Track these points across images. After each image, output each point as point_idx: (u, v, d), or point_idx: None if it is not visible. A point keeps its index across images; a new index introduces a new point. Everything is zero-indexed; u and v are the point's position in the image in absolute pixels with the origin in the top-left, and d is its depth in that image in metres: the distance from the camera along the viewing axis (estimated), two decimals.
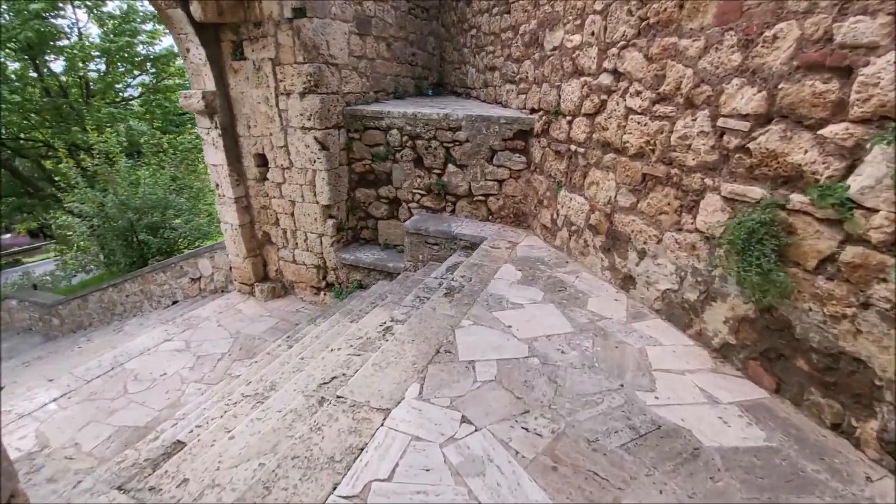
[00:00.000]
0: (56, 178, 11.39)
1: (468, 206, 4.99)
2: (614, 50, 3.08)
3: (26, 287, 10.96)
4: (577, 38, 3.53)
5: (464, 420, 2.10)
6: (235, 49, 5.19)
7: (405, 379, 2.39)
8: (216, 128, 5.52)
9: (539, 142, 4.28)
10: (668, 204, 2.75)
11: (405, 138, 5.09)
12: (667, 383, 2.34)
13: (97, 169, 8.56)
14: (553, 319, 2.98)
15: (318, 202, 5.38)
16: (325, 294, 5.87)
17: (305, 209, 5.53)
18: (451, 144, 4.84)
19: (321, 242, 5.59)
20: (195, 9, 4.76)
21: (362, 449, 1.94)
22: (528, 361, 2.54)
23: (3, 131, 12.88)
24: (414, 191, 5.26)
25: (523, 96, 4.62)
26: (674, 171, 2.68)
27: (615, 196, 3.23)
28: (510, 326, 2.90)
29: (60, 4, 12.77)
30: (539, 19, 4.16)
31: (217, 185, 5.91)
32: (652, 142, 2.83)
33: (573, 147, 3.71)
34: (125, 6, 14.97)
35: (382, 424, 2.08)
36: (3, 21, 10.72)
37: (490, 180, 4.75)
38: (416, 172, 5.17)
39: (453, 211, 5.11)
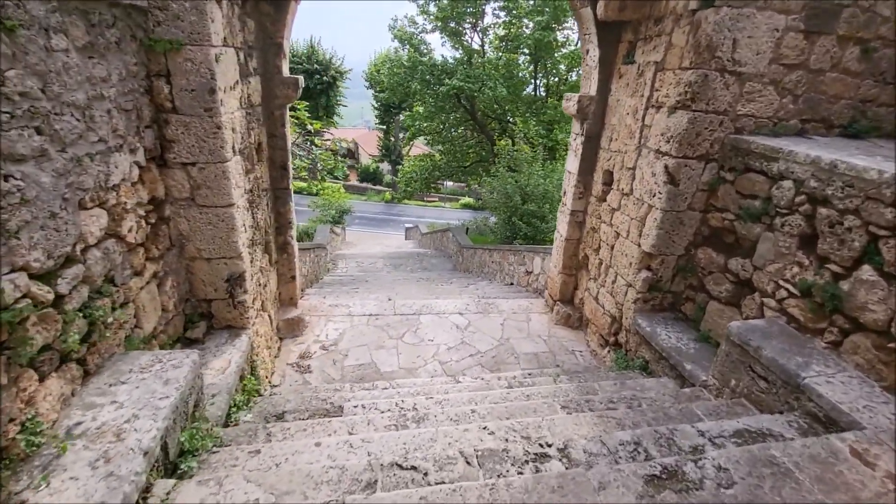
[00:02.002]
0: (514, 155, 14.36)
1: (872, 352, 2.61)
2: None
3: (462, 227, 14.80)
4: None
5: None
6: (629, 51, 4.50)
7: None
8: (582, 134, 5.14)
9: None
10: None
11: (801, 199, 3.09)
12: None
13: (515, 154, 10.18)
14: None
15: (639, 245, 4.21)
16: (609, 351, 4.75)
17: (625, 248, 4.47)
18: (886, 233, 2.56)
19: (626, 293, 4.43)
20: (599, 6, 4.36)
21: None
22: None
23: (507, 116, 17.24)
24: (781, 283, 3.23)
25: None
26: None
27: None
28: None
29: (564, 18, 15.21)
30: None
31: (564, 193, 5.65)
32: None
33: None
34: None
35: None
36: (525, 32, 13.99)
37: None
38: (796, 256, 3.12)
39: (835, 345, 2.82)
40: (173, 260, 3.22)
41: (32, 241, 1.81)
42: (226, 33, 3.12)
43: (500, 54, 16.44)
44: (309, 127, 9.39)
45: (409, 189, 20.76)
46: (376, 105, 34.73)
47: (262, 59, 4.17)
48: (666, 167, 3.86)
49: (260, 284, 4.09)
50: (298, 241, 15.11)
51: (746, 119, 3.72)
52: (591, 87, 4.98)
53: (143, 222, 2.77)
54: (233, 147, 3.26)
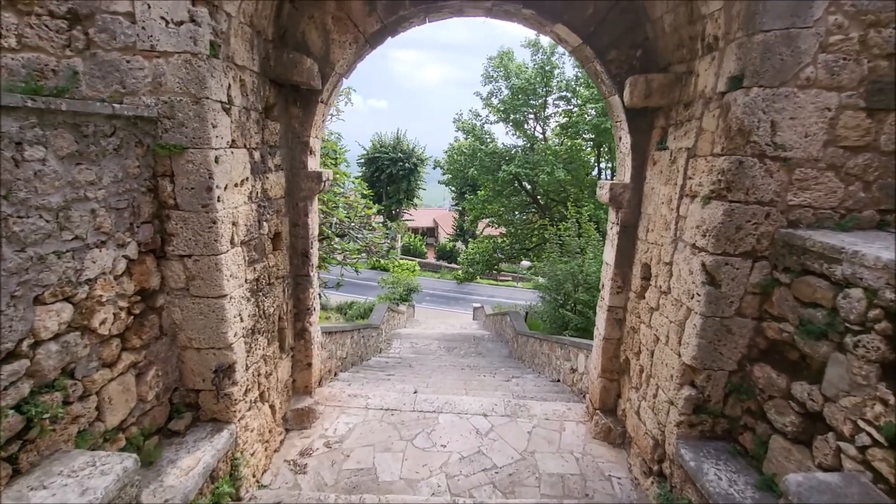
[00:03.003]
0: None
1: None
2: None
3: (521, 312, 14.15)
4: None
5: None
6: (662, 137, 4.15)
7: None
8: (618, 223, 4.71)
9: None
10: None
11: (875, 313, 2.38)
12: None
13: (567, 238, 9.73)
14: None
15: (679, 355, 3.54)
16: (652, 483, 3.88)
17: (664, 356, 3.78)
18: None
19: (668, 412, 3.68)
20: (626, 94, 4.14)
21: None
22: None
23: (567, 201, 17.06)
24: (861, 423, 2.42)
25: None
26: None
27: None
28: None
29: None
30: None
31: (602, 286, 5.10)
32: None
33: None
34: None
35: None
36: (588, 117, 14.06)
37: None
38: (877, 390, 2.34)
39: None
40: (163, 349, 3.24)
41: None
42: (234, 136, 3.34)
43: (563, 140, 16.69)
44: (363, 211, 9.91)
45: (470, 271, 20.76)
46: (453, 189, 36.49)
47: (289, 156, 4.44)
48: (703, 265, 3.30)
49: (260, 374, 4.00)
50: (360, 318, 15.26)
51: (802, 210, 3.12)
52: (625, 175, 4.62)
53: (123, 314, 2.83)
54: (231, 239, 3.35)
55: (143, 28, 2.84)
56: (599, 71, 4.42)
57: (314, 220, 4.84)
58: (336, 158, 10.76)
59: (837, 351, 2.62)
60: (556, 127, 16.80)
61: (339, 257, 9.55)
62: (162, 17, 2.84)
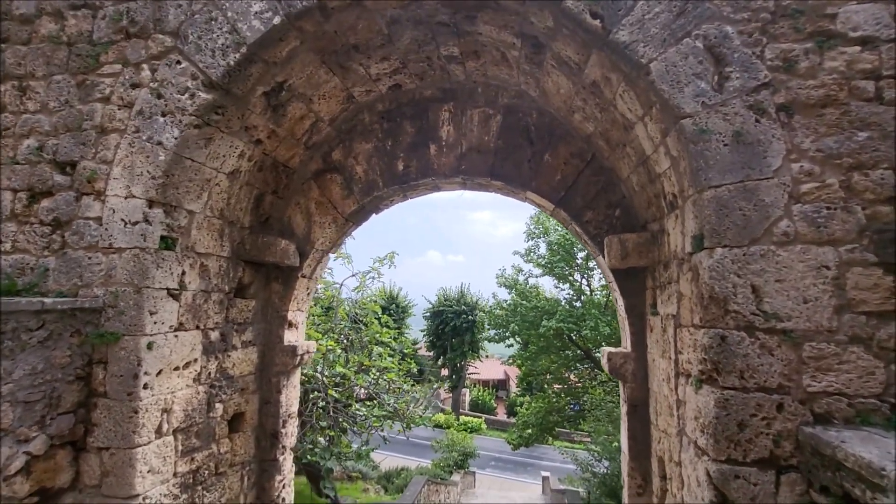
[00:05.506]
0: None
1: None
2: None
3: (583, 492, 11.74)
4: None
5: None
6: (654, 300, 3.62)
7: None
8: (626, 401, 3.90)
9: None
10: None
11: None
12: None
13: (610, 406, 8.37)
14: None
15: None
16: None
17: None
18: None
19: None
20: (606, 256, 3.79)
21: None
22: None
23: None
24: None
25: None
26: None
27: None
28: None
29: None
30: None
31: (623, 483, 4.04)
32: None
33: None
34: None
35: None
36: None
37: None
38: None
39: None
40: None
41: None
42: (183, 319, 3.36)
43: (609, 292, 15.96)
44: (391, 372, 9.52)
45: (523, 437, 18.53)
46: (519, 341, 35.43)
47: (266, 330, 4.41)
48: (708, 475, 2.44)
49: None
50: (399, 492, 13.65)
51: (830, 400, 2.32)
52: (626, 342, 3.99)
53: None
54: (158, 429, 3.12)
55: (106, 229, 3.15)
56: (579, 232, 4.19)
57: (290, 397, 4.56)
58: (382, 318, 10.68)
59: None
60: (601, 279, 16.30)
61: (366, 423, 8.96)
62: (122, 219, 3.14)
